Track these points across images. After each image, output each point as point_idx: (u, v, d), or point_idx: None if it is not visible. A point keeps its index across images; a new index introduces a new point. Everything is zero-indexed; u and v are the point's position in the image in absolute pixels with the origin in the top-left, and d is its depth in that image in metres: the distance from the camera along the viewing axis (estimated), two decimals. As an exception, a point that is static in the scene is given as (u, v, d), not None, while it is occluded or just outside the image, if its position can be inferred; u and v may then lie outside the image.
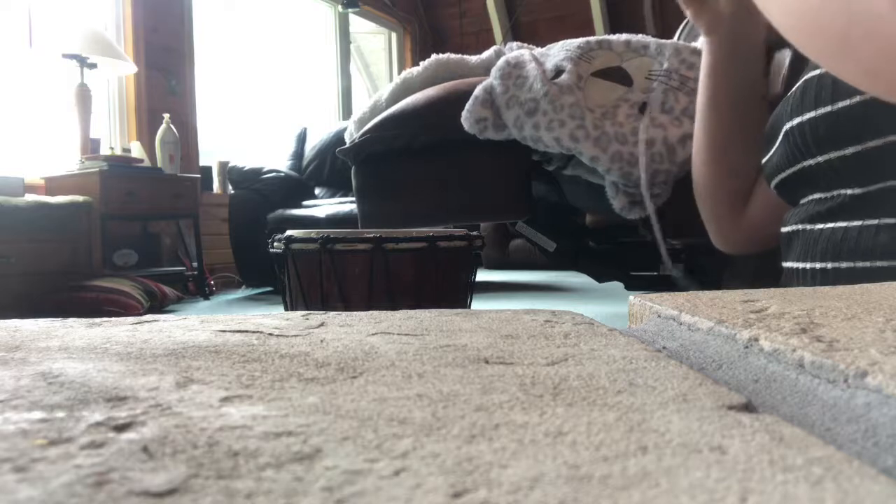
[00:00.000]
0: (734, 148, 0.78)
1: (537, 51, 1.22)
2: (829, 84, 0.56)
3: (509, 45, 1.42)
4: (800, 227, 0.64)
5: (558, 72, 1.10)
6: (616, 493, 0.13)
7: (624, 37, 1.16)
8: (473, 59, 1.44)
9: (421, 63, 1.44)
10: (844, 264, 0.57)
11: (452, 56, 1.44)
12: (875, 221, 0.55)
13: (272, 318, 0.36)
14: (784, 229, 0.67)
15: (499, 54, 1.37)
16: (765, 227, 0.74)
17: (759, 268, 0.85)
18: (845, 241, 0.57)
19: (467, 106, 1.14)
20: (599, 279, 1.39)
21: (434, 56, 1.45)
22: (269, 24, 4.71)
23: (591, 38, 1.16)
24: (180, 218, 3.26)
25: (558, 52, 1.16)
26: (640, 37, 1.15)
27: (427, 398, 0.19)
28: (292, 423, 0.17)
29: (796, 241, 0.64)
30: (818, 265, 0.60)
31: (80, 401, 0.19)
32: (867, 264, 0.55)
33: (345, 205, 3.15)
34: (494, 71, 1.15)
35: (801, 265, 0.63)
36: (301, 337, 0.30)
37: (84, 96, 2.92)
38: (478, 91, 1.14)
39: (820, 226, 0.60)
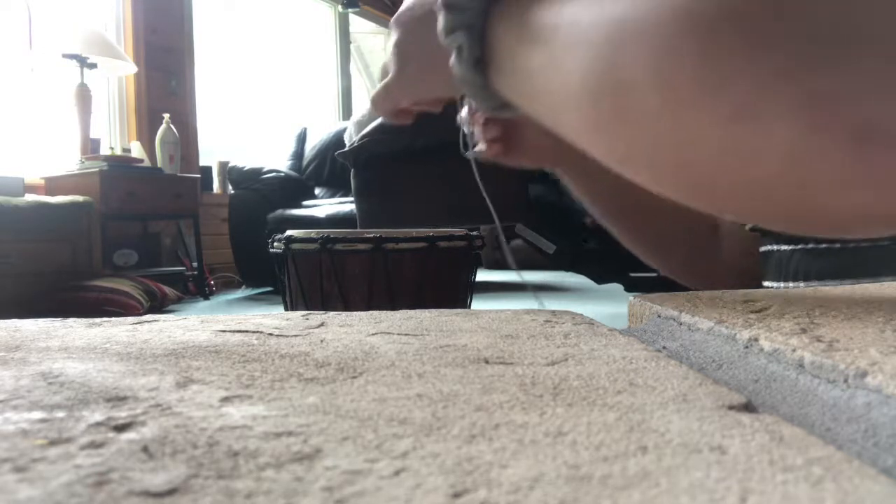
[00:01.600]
0: (648, 231, 0.68)
1: None
2: None
3: None
4: (774, 247, 0.64)
5: None
6: (616, 493, 0.13)
7: None
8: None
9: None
10: (815, 284, 0.57)
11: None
12: (839, 245, 0.55)
13: (272, 318, 0.36)
14: (762, 248, 0.67)
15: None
16: (745, 257, 0.67)
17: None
18: (816, 260, 0.57)
19: None
20: (599, 281, 1.39)
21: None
22: (269, 24, 4.71)
23: None
24: (180, 218, 3.26)
25: None
26: None
27: (427, 398, 0.19)
28: (292, 423, 0.17)
29: (771, 260, 0.64)
30: (791, 284, 0.60)
31: (80, 401, 0.19)
32: (836, 283, 0.55)
33: (345, 205, 3.15)
34: None
35: (775, 285, 0.63)
36: (301, 337, 0.30)
37: (84, 96, 2.92)
38: None
39: (791, 246, 0.60)
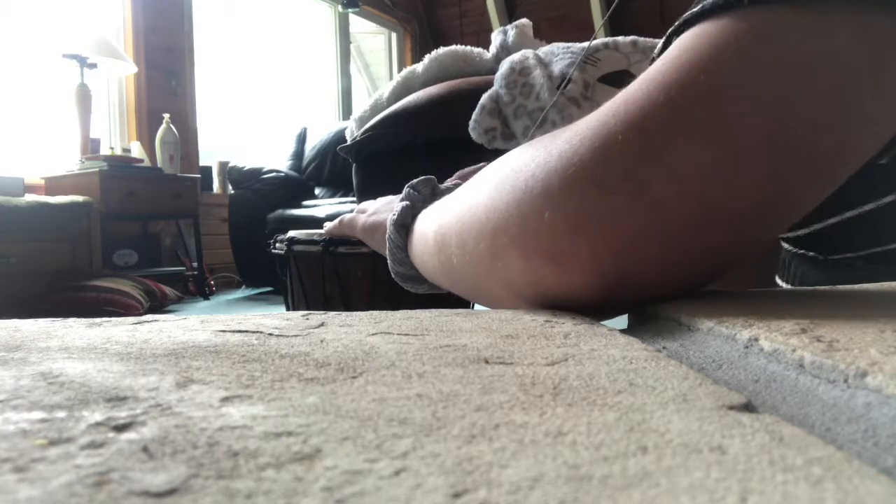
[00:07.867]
0: None
1: (541, 50, 1.22)
2: None
3: (504, 28, 1.41)
4: (784, 245, 0.64)
5: (564, 79, 1.09)
6: (616, 493, 0.13)
7: (630, 37, 1.15)
8: (476, 51, 1.43)
9: (425, 56, 1.44)
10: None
11: (459, 49, 1.43)
12: (835, 258, 0.55)
13: (272, 318, 0.36)
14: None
15: (504, 47, 1.36)
16: None
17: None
18: (811, 269, 0.57)
19: (474, 116, 1.13)
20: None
21: (435, 51, 1.44)
22: (269, 24, 4.71)
23: (597, 40, 1.16)
24: (180, 218, 3.26)
25: (563, 54, 1.16)
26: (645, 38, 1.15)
27: (427, 398, 0.19)
28: (292, 423, 0.17)
29: (781, 257, 0.64)
30: (788, 286, 0.60)
31: (80, 401, 0.19)
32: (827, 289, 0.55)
33: (345, 205, 3.15)
34: (500, 78, 1.15)
35: (781, 283, 0.63)
36: (301, 337, 0.30)
37: (84, 96, 2.92)
38: (484, 100, 1.13)
39: (793, 249, 0.61)
